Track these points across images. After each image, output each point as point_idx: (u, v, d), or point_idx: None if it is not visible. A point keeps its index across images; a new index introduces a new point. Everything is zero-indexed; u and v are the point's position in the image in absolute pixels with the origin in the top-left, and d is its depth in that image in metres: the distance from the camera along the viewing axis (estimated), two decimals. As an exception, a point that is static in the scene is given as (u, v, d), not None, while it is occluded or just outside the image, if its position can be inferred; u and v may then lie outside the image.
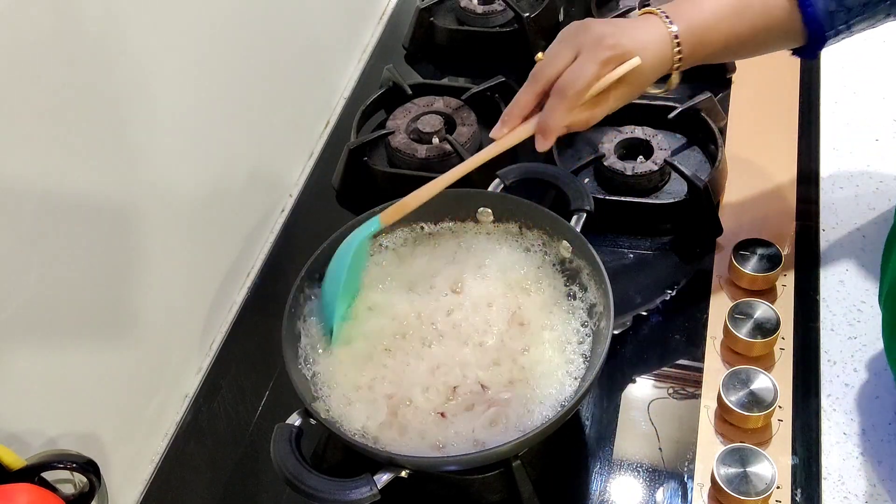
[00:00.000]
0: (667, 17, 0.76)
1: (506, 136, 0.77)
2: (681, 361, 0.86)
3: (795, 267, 0.90)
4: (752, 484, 0.72)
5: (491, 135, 0.78)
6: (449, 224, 0.89)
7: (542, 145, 0.77)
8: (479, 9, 1.23)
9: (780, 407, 0.79)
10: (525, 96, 0.77)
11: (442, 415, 0.75)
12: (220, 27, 0.90)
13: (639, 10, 1.16)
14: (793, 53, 0.81)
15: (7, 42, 0.63)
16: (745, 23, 0.76)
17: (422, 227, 0.89)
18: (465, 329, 0.80)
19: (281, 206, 1.08)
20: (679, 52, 0.76)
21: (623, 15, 1.16)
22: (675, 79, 0.78)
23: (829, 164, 1.01)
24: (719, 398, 0.79)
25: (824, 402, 0.81)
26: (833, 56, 1.12)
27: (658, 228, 0.97)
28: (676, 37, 0.75)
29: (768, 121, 1.06)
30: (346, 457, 0.82)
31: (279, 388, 0.89)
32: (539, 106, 0.77)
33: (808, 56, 0.80)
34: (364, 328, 0.82)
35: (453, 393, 0.76)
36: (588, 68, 0.73)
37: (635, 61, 0.74)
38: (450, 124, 1.07)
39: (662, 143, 1.00)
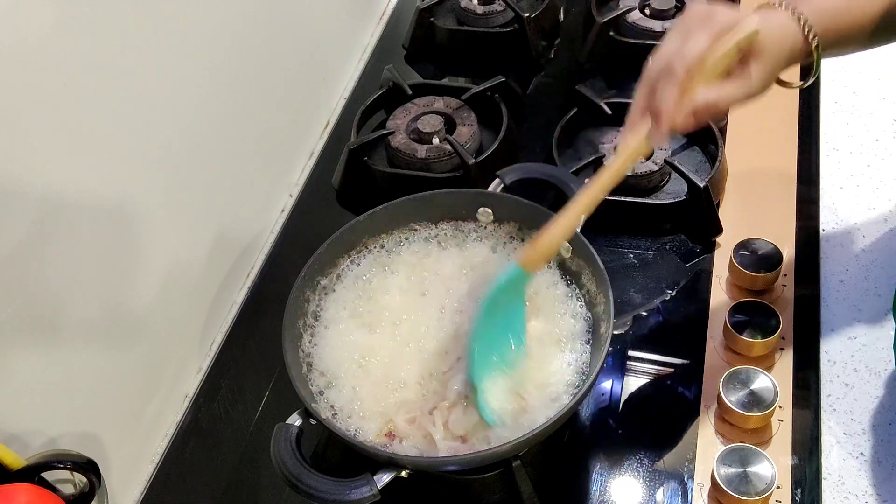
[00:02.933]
0: (786, 5, 0.69)
1: (630, 139, 0.70)
2: (681, 361, 0.86)
3: (795, 267, 0.90)
4: (752, 484, 0.72)
5: (617, 144, 0.71)
6: (449, 224, 0.89)
7: (657, 135, 0.68)
8: (479, 9, 1.22)
9: (780, 407, 0.79)
10: (640, 93, 0.69)
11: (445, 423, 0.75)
12: (220, 28, 0.90)
13: (639, 10, 1.16)
14: None
15: (7, 42, 0.63)
16: (874, 7, 0.70)
17: (422, 228, 0.89)
18: (465, 329, 0.80)
19: (281, 206, 1.08)
20: (810, 29, 0.68)
21: (623, 15, 1.16)
22: (818, 65, 0.70)
23: (829, 164, 1.01)
24: (719, 398, 0.79)
25: (824, 402, 0.81)
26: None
27: (658, 228, 0.97)
28: (801, 16, 0.68)
29: (768, 121, 1.06)
30: (346, 457, 0.82)
31: (279, 388, 0.89)
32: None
33: None
34: (367, 330, 0.82)
35: (453, 393, 0.76)
36: (697, 41, 0.65)
37: (752, 23, 0.66)
38: (450, 124, 1.07)
39: (662, 143, 0.99)
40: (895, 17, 0.71)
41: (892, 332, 0.79)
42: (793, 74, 0.75)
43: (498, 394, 0.75)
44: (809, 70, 0.72)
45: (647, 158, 0.97)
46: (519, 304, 0.78)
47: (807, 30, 0.68)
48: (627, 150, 0.70)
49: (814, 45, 0.69)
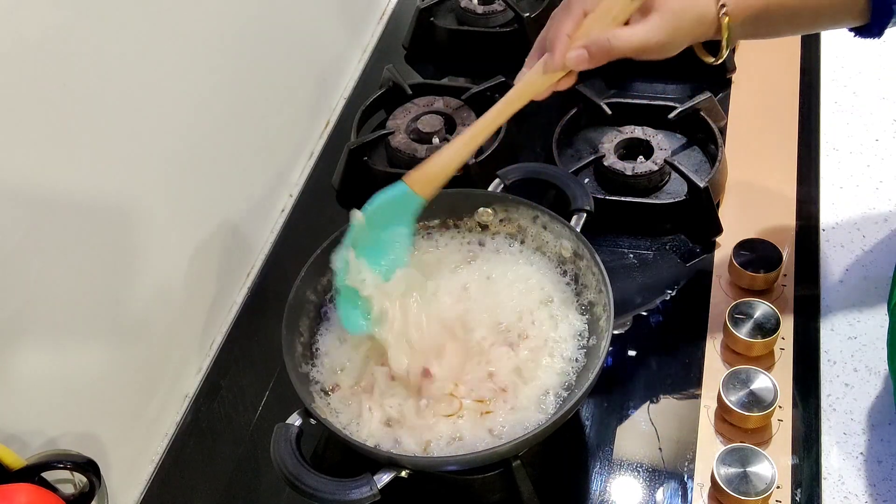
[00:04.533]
0: None
1: (526, 72, 0.75)
2: (681, 361, 0.86)
3: (795, 267, 0.90)
4: (752, 484, 0.72)
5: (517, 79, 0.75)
6: (449, 224, 0.89)
7: (549, 64, 0.72)
8: (479, 9, 1.22)
9: (780, 407, 0.79)
10: (542, 33, 0.74)
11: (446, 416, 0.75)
12: (220, 28, 0.90)
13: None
14: (854, 34, 0.75)
15: (7, 42, 0.63)
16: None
17: (421, 227, 0.89)
18: (463, 329, 0.80)
19: (281, 206, 1.08)
20: (724, 8, 0.71)
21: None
22: (725, 39, 0.73)
23: (829, 164, 1.01)
24: (719, 398, 0.79)
25: (824, 402, 0.81)
26: (833, 56, 1.12)
27: (658, 228, 0.97)
28: (724, 12, 0.71)
29: (768, 121, 1.06)
30: (346, 457, 0.82)
31: (279, 388, 0.89)
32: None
33: (873, 34, 0.74)
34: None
35: (454, 392, 0.76)
36: None
37: None
38: (450, 124, 1.07)
39: (662, 143, 1.00)
40: (815, 5, 0.73)
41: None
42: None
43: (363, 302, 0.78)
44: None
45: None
46: (405, 227, 0.80)
47: (722, 13, 0.71)
48: (523, 80, 0.75)
49: (723, 17, 0.71)
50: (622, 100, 1.06)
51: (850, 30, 0.75)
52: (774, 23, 0.75)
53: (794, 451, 0.77)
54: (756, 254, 0.88)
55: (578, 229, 0.83)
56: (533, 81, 0.74)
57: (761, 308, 0.84)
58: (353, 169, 1.05)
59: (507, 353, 0.78)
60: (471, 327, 0.80)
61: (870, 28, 0.73)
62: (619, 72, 1.14)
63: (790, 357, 0.83)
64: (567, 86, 0.76)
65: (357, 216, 0.78)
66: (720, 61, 0.77)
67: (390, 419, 0.75)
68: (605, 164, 0.98)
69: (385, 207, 0.79)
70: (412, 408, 0.76)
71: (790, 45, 1.13)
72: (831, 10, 0.74)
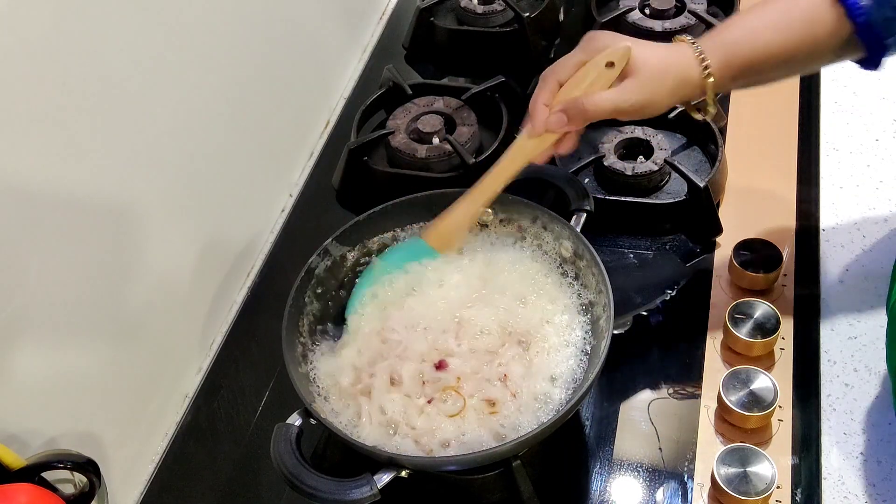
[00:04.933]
0: (693, 40, 0.75)
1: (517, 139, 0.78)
2: (681, 361, 0.86)
3: (795, 267, 0.90)
4: (752, 484, 0.72)
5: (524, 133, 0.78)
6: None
7: (530, 129, 0.77)
8: (479, 9, 1.22)
9: (780, 407, 0.79)
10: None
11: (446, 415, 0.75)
12: (220, 28, 0.90)
13: (639, 10, 1.17)
14: (859, 65, 0.76)
15: (7, 42, 0.63)
16: (784, 36, 0.73)
17: (421, 227, 0.89)
18: (465, 329, 0.80)
19: (281, 206, 1.08)
20: (705, 62, 0.74)
21: (623, 15, 1.16)
22: (711, 99, 0.76)
23: (829, 164, 1.01)
24: (719, 398, 0.79)
25: (824, 402, 0.81)
26: (833, 56, 1.12)
27: (658, 228, 0.97)
28: (700, 51, 0.74)
29: (768, 121, 1.06)
30: (346, 457, 0.82)
31: (279, 388, 0.89)
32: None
33: (872, 67, 0.75)
34: (365, 328, 0.82)
35: (454, 392, 0.76)
36: (573, 56, 0.76)
37: (623, 45, 0.74)
38: (450, 124, 1.07)
39: (662, 143, 1.00)
40: (808, 50, 0.74)
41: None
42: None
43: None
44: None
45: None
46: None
47: (700, 58, 0.74)
48: (513, 145, 0.79)
49: (706, 76, 0.74)
50: (622, 100, 1.06)
51: (854, 62, 0.76)
52: (762, 74, 0.77)
53: (794, 451, 0.77)
54: (756, 254, 0.88)
55: (578, 229, 0.83)
56: (522, 146, 0.78)
57: (761, 308, 0.84)
58: (353, 169, 1.05)
59: (515, 354, 0.78)
60: (473, 327, 0.80)
61: (867, 62, 0.75)
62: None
63: (790, 357, 0.83)
64: (567, 150, 0.79)
65: (377, 264, 0.85)
66: (709, 118, 0.80)
67: (390, 419, 0.75)
68: (605, 164, 0.98)
69: (403, 260, 0.85)
70: (413, 408, 0.76)
71: (790, 45, 1.13)
72: (820, 54, 0.75)
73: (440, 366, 0.77)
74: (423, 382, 0.77)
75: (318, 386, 0.78)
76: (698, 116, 0.80)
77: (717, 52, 0.74)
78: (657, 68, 0.74)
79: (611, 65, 0.74)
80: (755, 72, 0.76)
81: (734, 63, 0.74)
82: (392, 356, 0.79)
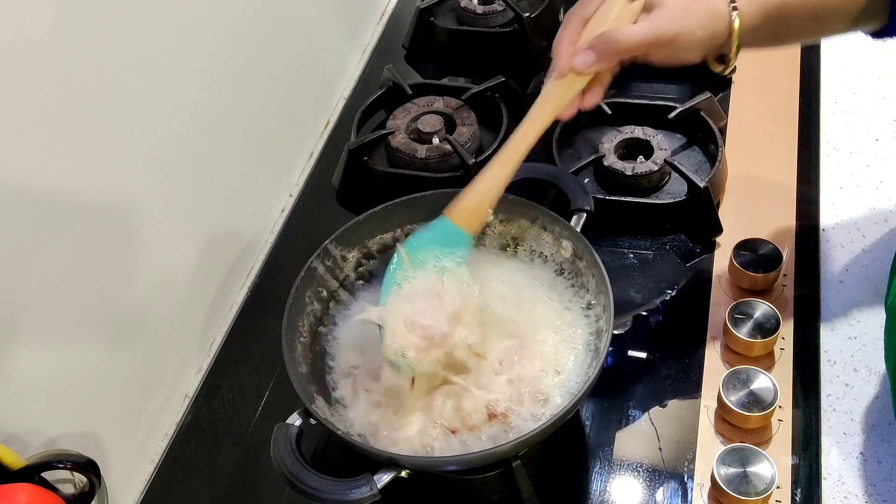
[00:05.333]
0: None
1: (545, 87, 0.73)
2: (681, 361, 0.86)
3: (795, 267, 0.90)
4: (752, 484, 0.72)
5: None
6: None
7: (557, 70, 0.72)
8: (479, 9, 1.22)
9: (780, 407, 0.79)
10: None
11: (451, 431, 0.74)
12: (220, 28, 0.90)
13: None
14: (873, 37, 0.74)
15: (7, 42, 0.63)
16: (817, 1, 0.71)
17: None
18: (465, 329, 0.80)
19: (281, 206, 1.08)
20: (735, 7, 0.70)
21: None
22: (735, 43, 0.72)
23: (829, 164, 1.01)
24: (719, 398, 0.79)
25: (824, 402, 0.81)
26: (833, 56, 1.12)
27: (658, 228, 0.97)
28: (734, 5, 0.70)
29: (768, 121, 1.06)
30: (346, 457, 0.82)
31: (279, 388, 0.89)
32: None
33: (893, 34, 0.72)
34: (366, 329, 0.82)
35: (453, 392, 0.76)
36: None
37: None
38: (450, 124, 1.07)
39: (662, 143, 1.00)
40: (834, 7, 0.71)
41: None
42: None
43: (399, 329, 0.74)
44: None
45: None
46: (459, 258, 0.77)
47: (732, 8, 0.70)
48: (541, 94, 0.73)
49: (733, 17, 0.70)
50: (622, 100, 1.06)
51: (867, 33, 0.74)
52: (790, 25, 0.73)
53: (794, 451, 0.77)
54: (756, 254, 0.88)
55: (578, 229, 0.83)
56: (551, 93, 0.72)
57: (761, 308, 0.84)
58: (353, 169, 1.05)
59: (515, 354, 0.78)
60: (472, 328, 0.80)
61: (889, 29, 0.72)
62: (620, 72, 1.14)
63: (790, 357, 0.83)
64: (592, 103, 0.73)
65: (401, 251, 0.76)
66: (730, 70, 0.76)
67: (389, 421, 0.75)
68: (605, 164, 0.98)
69: (431, 246, 0.76)
70: (413, 408, 0.76)
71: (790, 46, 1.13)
72: (850, 11, 0.72)
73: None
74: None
75: (317, 386, 0.78)
76: (718, 69, 0.76)
77: (748, 3, 0.71)
78: (683, 6, 0.71)
79: None
80: (782, 21, 0.72)
81: (766, 3, 0.71)
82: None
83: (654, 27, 0.70)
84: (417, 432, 0.74)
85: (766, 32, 0.73)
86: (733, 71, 0.92)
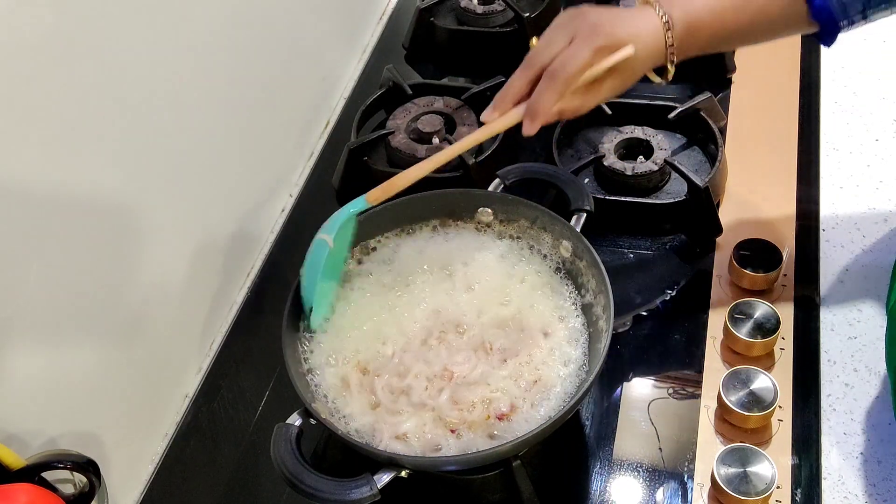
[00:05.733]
0: (661, 7, 0.75)
1: (496, 120, 0.77)
2: (681, 361, 0.86)
3: (795, 267, 0.90)
4: (752, 484, 0.72)
5: (482, 118, 0.78)
6: (449, 224, 0.89)
7: (529, 129, 0.76)
8: (479, 9, 1.22)
9: (780, 407, 0.79)
10: (518, 81, 0.76)
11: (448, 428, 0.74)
12: (219, 28, 0.90)
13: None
14: (812, 38, 0.78)
15: (7, 42, 0.63)
16: (745, 16, 0.75)
17: (421, 227, 0.89)
18: (465, 329, 0.80)
19: (281, 206, 1.08)
20: (671, 42, 0.75)
21: (623, 15, 1.16)
22: (671, 70, 0.77)
23: (829, 164, 1.01)
24: (719, 398, 0.79)
25: (824, 402, 0.81)
26: (833, 56, 1.12)
27: (658, 228, 0.97)
28: (669, 26, 0.74)
29: (768, 121, 1.06)
30: (346, 457, 0.82)
31: (279, 388, 0.89)
32: (531, 92, 0.76)
33: (824, 43, 0.77)
34: (364, 329, 0.82)
35: (453, 392, 0.76)
36: (581, 54, 0.73)
37: (628, 50, 0.73)
38: (450, 124, 1.07)
39: (662, 143, 1.00)
40: (765, 27, 0.76)
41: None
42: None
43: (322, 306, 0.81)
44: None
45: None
46: (348, 235, 0.83)
47: (669, 38, 0.74)
48: (491, 128, 0.78)
49: (669, 58, 0.75)
50: (622, 100, 1.06)
51: (809, 36, 0.78)
52: (719, 46, 0.79)
53: (794, 451, 0.77)
54: (756, 254, 0.88)
55: (578, 229, 0.83)
56: (499, 130, 0.78)
57: (761, 308, 0.84)
58: (353, 169, 1.05)
59: (515, 355, 0.78)
60: (474, 328, 0.80)
61: (819, 37, 0.76)
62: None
63: (790, 357, 0.83)
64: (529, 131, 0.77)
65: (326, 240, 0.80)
66: (666, 81, 0.79)
67: (387, 416, 0.75)
68: (605, 164, 0.98)
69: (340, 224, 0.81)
70: (412, 408, 0.76)
71: (790, 46, 1.13)
72: (775, 30, 0.77)
73: (448, 376, 0.77)
74: (424, 386, 0.77)
75: (317, 386, 0.78)
76: (657, 80, 0.80)
77: (682, 28, 0.75)
78: (642, 59, 0.75)
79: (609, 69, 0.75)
80: (707, 46, 0.77)
81: (694, 41, 0.75)
82: (392, 363, 0.79)
83: (598, 101, 0.78)
84: (415, 429, 0.74)
85: (694, 54, 0.77)
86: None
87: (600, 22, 0.74)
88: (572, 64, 0.73)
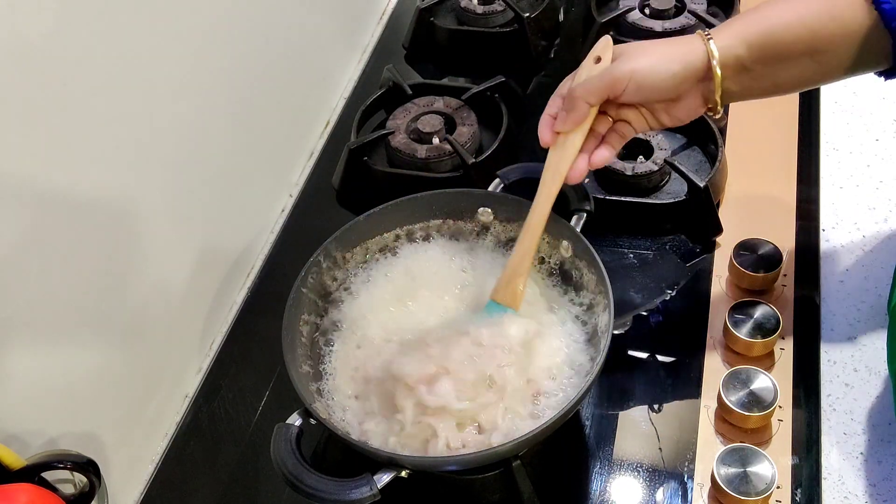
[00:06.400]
0: (708, 33, 0.71)
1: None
2: (681, 361, 0.86)
3: (795, 267, 0.90)
4: (752, 484, 0.72)
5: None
6: (449, 224, 0.89)
7: (543, 137, 0.77)
8: (479, 9, 1.22)
9: (780, 407, 0.79)
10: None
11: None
12: (219, 28, 0.90)
13: (639, 10, 1.16)
14: (884, 77, 0.70)
15: (7, 42, 0.63)
16: (802, 18, 0.68)
17: (421, 227, 0.89)
18: (464, 330, 0.80)
19: (281, 206, 1.08)
20: (708, 35, 0.70)
21: (623, 15, 1.16)
22: (717, 83, 0.71)
23: (829, 164, 1.01)
24: (719, 398, 0.79)
25: (824, 402, 0.81)
26: (833, 56, 1.12)
27: (658, 228, 0.97)
28: (709, 36, 0.70)
29: (768, 121, 1.06)
30: (346, 457, 0.82)
31: (279, 388, 0.89)
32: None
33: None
34: (367, 330, 0.82)
35: (453, 392, 0.76)
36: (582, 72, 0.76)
37: (604, 38, 0.75)
38: (450, 124, 1.07)
39: (662, 143, 1.00)
40: (828, 47, 0.68)
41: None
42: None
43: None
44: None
45: None
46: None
47: (709, 45, 0.70)
48: (546, 164, 0.78)
49: (713, 50, 0.70)
50: (622, 100, 1.06)
51: (877, 73, 0.71)
52: (781, 59, 0.70)
53: (794, 451, 0.77)
54: (756, 254, 0.88)
55: (578, 229, 0.83)
56: (550, 160, 0.77)
57: (761, 308, 0.84)
58: (353, 169, 1.05)
59: (515, 355, 0.78)
60: (475, 329, 0.80)
61: (890, 71, 0.69)
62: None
63: (790, 357, 0.83)
64: (601, 160, 0.76)
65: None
66: (719, 115, 0.76)
67: (389, 419, 0.75)
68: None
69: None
70: (412, 409, 0.76)
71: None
72: (848, 47, 0.67)
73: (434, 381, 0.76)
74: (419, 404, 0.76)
75: (317, 386, 0.78)
76: (710, 114, 0.76)
77: (725, 29, 0.70)
78: (647, 43, 0.74)
79: (598, 59, 0.74)
80: (767, 50, 0.69)
81: (747, 37, 0.69)
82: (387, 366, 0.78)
83: (606, 69, 0.73)
84: (415, 425, 0.74)
85: (755, 64, 0.70)
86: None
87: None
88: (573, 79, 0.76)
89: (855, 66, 0.69)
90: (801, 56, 0.69)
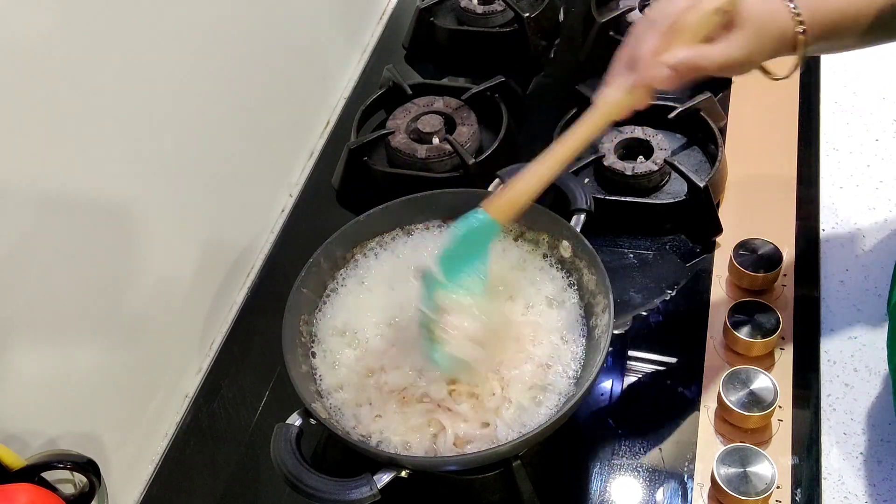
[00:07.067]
0: None
1: (608, 92, 0.70)
2: (681, 361, 0.86)
3: (795, 267, 0.90)
4: (752, 484, 0.72)
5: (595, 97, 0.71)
6: (449, 224, 0.89)
7: (639, 81, 0.69)
8: (479, 9, 1.22)
9: (780, 407, 0.79)
10: (623, 50, 0.71)
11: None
12: (220, 28, 0.90)
13: (639, 10, 1.16)
14: None
15: (7, 42, 0.63)
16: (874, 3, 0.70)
17: (421, 227, 0.89)
18: (465, 330, 0.80)
19: (281, 206, 1.08)
20: (798, 16, 0.70)
21: (623, 15, 1.16)
22: (800, 59, 0.72)
23: (829, 164, 1.01)
24: (719, 398, 0.79)
25: (824, 402, 0.81)
26: (833, 56, 1.12)
27: (658, 228, 0.97)
28: (795, 8, 0.70)
29: (768, 121, 1.06)
30: (346, 457, 0.82)
31: (279, 388, 0.89)
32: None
33: None
34: (367, 330, 0.82)
35: (452, 392, 0.76)
36: (680, 1, 0.69)
37: None
38: (450, 124, 1.07)
39: (662, 143, 1.00)
40: (889, 16, 0.70)
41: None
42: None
43: (459, 340, 0.73)
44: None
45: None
46: (483, 254, 0.75)
47: (796, 18, 0.70)
48: (607, 101, 0.71)
49: (800, 34, 0.70)
50: (622, 100, 1.06)
51: None
52: (848, 37, 0.72)
53: (794, 451, 0.77)
54: (756, 254, 0.88)
55: (578, 229, 0.83)
56: (618, 101, 0.71)
57: (761, 308, 0.84)
58: (353, 169, 1.05)
59: (515, 355, 0.78)
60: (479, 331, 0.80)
61: None
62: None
63: (790, 357, 0.83)
64: (645, 104, 0.72)
65: (431, 272, 0.74)
66: (788, 77, 0.75)
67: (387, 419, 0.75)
68: (605, 164, 0.98)
69: (464, 241, 0.74)
70: (412, 408, 0.76)
71: (790, 45, 1.13)
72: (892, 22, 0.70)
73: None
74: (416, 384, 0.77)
75: (317, 386, 0.78)
76: (776, 77, 0.75)
77: (812, 12, 0.70)
78: (761, 21, 0.70)
79: (720, 12, 0.69)
80: (836, 37, 0.72)
81: (826, 20, 0.70)
82: (385, 361, 0.79)
83: (728, 54, 0.69)
84: (416, 426, 0.74)
85: (822, 47, 0.74)
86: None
87: None
88: (673, 7, 0.68)
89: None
90: (866, 30, 0.71)
